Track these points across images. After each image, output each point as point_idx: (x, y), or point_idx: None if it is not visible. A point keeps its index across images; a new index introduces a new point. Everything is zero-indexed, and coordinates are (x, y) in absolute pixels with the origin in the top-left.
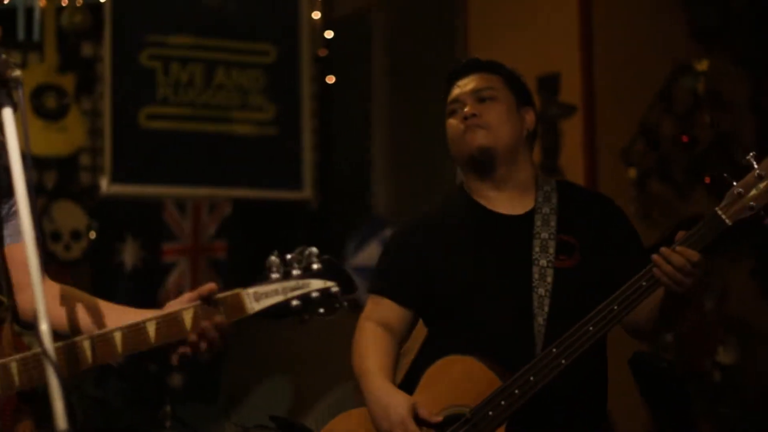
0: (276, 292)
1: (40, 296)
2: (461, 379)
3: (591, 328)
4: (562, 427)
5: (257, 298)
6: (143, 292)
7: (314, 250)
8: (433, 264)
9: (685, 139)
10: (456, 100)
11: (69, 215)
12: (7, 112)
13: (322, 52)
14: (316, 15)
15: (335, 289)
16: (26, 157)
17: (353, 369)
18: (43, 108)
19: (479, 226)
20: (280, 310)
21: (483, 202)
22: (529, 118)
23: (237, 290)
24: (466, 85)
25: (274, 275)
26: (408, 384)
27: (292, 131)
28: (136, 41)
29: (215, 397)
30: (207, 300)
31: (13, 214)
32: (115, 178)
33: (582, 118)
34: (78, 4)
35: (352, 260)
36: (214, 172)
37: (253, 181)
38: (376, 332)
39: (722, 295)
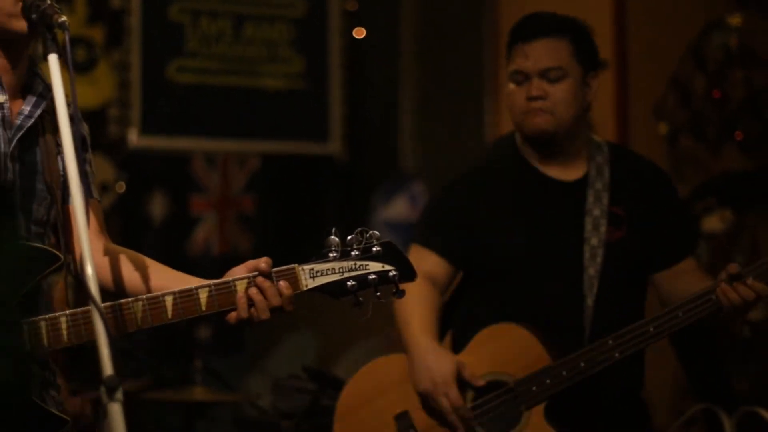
0: (332, 271)
1: (86, 242)
2: (510, 348)
3: (651, 329)
4: (600, 413)
5: (313, 275)
6: (171, 244)
7: (375, 233)
8: (484, 223)
9: (717, 95)
10: (521, 71)
11: (98, 167)
12: (53, 59)
13: (352, 6)
14: None
15: (393, 273)
16: (74, 106)
17: (396, 320)
18: (72, 60)
19: (531, 191)
20: (335, 289)
21: (534, 163)
22: (594, 84)
23: (293, 265)
24: (534, 56)
25: (332, 254)
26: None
27: (320, 85)
28: None
29: (241, 349)
30: (263, 273)
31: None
32: (144, 131)
33: (614, 73)
34: None
35: (380, 214)
36: (243, 126)
37: (281, 135)
38: (421, 286)
39: (752, 251)
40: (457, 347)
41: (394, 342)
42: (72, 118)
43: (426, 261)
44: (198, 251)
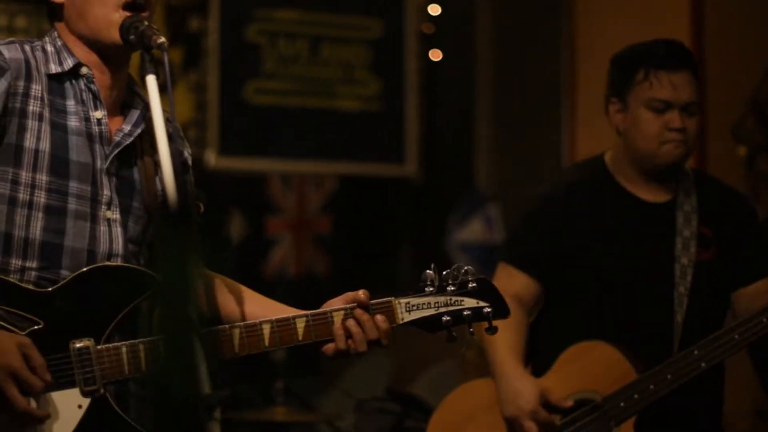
0: (428, 305)
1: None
2: (597, 365)
3: (737, 337)
4: (687, 425)
5: (409, 309)
6: (247, 265)
7: (471, 268)
8: (575, 241)
9: None
10: (663, 100)
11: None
12: (151, 79)
13: (428, 28)
14: None
15: (488, 310)
16: (173, 125)
17: (482, 342)
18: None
19: (623, 211)
20: (430, 323)
21: (626, 184)
22: None
23: (390, 298)
24: (680, 88)
25: (429, 288)
26: (532, 358)
27: (396, 107)
28: (243, 15)
29: (316, 370)
30: (362, 304)
31: None
32: (222, 152)
33: None
34: None
35: (455, 236)
36: (319, 147)
37: (357, 156)
38: (514, 309)
39: None
40: (542, 366)
41: (469, 363)
42: (170, 137)
43: (515, 281)
44: (274, 272)
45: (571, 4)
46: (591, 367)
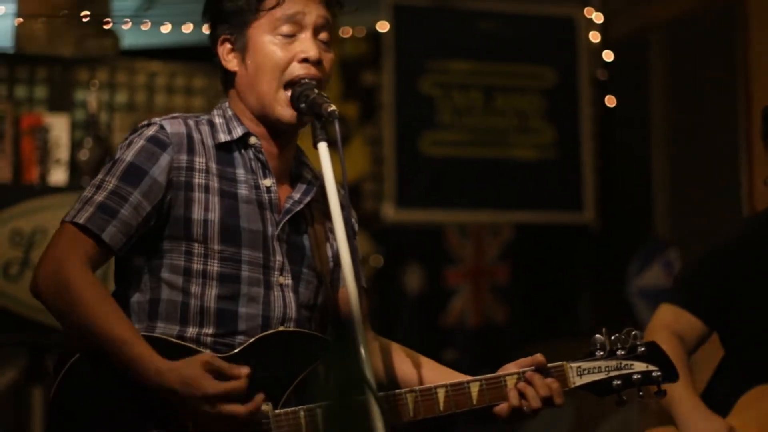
0: (599, 370)
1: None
2: None
3: None
4: None
5: (580, 373)
6: (426, 317)
7: (639, 332)
8: (744, 290)
9: None
10: None
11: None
12: (323, 146)
13: (602, 75)
14: (595, 37)
15: (657, 374)
16: (346, 194)
17: None
18: (328, 136)
19: None
20: (601, 387)
21: None
22: None
23: (562, 363)
24: None
25: (599, 353)
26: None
27: (572, 154)
28: (416, 68)
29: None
30: (538, 366)
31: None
32: (400, 205)
33: None
34: (360, 35)
35: (636, 282)
36: (495, 196)
37: (534, 205)
38: (674, 344)
39: None
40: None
41: (651, 411)
42: (343, 206)
43: (680, 320)
44: (453, 323)
45: (747, 47)
46: None
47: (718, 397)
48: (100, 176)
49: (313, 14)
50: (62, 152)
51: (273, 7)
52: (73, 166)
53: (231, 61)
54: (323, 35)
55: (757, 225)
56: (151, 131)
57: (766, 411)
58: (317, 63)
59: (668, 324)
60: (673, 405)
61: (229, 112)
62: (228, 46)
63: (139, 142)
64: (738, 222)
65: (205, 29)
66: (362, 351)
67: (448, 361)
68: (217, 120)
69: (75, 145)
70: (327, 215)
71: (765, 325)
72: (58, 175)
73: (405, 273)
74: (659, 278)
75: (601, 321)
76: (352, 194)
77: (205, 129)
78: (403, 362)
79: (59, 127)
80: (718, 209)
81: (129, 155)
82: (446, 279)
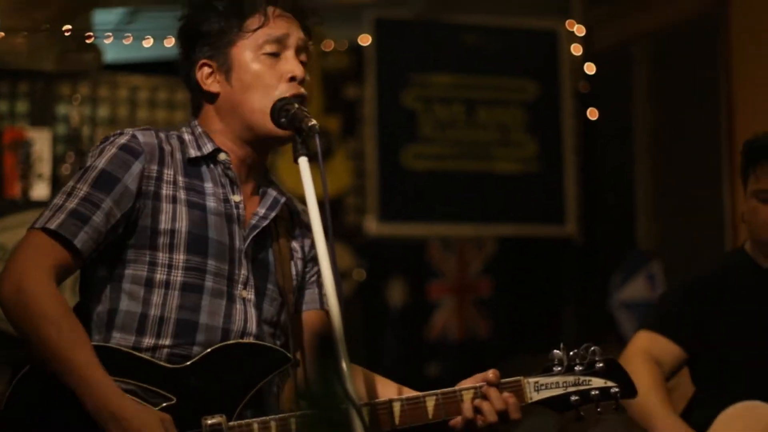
0: (556, 385)
1: (341, 344)
2: (758, 426)
3: None
4: None
5: (537, 388)
6: (409, 330)
7: (598, 348)
8: (721, 322)
9: None
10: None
11: (337, 256)
12: (303, 161)
13: (584, 87)
14: (577, 49)
15: (615, 390)
16: (328, 211)
17: (632, 406)
18: (309, 150)
19: (763, 291)
20: (558, 403)
21: (763, 263)
22: None
23: (519, 378)
24: None
25: (557, 368)
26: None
27: (554, 167)
28: (398, 81)
29: None
30: (490, 383)
31: (312, 283)
32: (382, 218)
33: None
34: (342, 49)
35: (619, 294)
36: (478, 210)
37: (516, 218)
38: (652, 369)
39: None
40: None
41: (631, 423)
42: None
43: (657, 345)
44: (436, 337)
45: (729, 59)
46: (750, 427)
47: (698, 420)
48: (71, 183)
49: (295, 35)
50: (44, 167)
51: (257, 29)
52: (56, 181)
53: (212, 84)
54: (303, 56)
55: (726, 264)
56: (123, 140)
57: (744, 428)
58: (302, 81)
59: (646, 349)
60: (651, 422)
61: (199, 130)
62: (207, 70)
63: (112, 150)
64: (717, 255)
65: (179, 52)
66: (344, 366)
67: (431, 375)
68: (187, 137)
69: (57, 160)
70: (292, 234)
71: (738, 357)
72: (41, 190)
73: (388, 287)
74: (642, 291)
75: (585, 334)
76: (334, 208)
77: (175, 143)
78: (358, 380)
79: (41, 142)
80: (700, 222)
81: (101, 162)
82: (429, 292)
